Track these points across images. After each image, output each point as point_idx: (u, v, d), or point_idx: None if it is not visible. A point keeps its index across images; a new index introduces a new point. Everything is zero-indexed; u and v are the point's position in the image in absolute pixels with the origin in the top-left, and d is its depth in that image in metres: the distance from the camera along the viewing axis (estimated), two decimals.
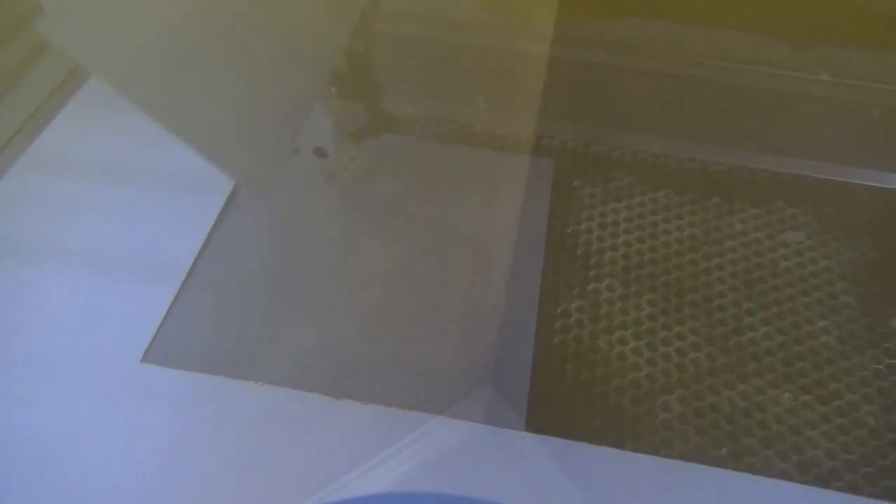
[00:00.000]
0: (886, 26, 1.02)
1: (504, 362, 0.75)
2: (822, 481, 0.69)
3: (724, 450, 0.70)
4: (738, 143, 1.01)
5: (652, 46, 1.11)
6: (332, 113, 0.94)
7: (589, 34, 1.13)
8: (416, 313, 0.80)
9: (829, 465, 0.70)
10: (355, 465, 0.66)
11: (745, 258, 0.87)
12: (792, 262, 0.87)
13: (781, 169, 0.98)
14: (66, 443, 0.67)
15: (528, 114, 1.03)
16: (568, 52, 1.10)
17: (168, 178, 0.91)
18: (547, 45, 1.10)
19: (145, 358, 0.73)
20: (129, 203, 0.88)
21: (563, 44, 1.10)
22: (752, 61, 1.09)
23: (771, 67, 1.08)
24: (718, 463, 0.69)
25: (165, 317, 0.77)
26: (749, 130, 1.03)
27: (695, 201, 0.93)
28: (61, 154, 0.94)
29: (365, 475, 0.66)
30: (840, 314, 0.82)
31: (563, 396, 0.74)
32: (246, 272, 0.83)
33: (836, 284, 0.85)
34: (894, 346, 0.79)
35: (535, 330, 0.78)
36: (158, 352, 0.74)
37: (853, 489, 0.68)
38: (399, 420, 0.70)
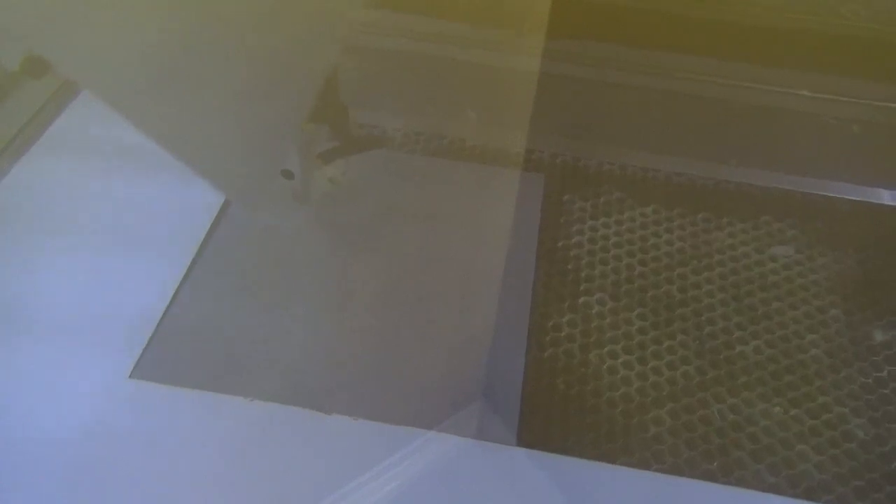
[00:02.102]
0: (864, 51, 1.04)
1: (495, 377, 0.75)
2: (813, 495, 0.69)
3: (715, 463, 0.71)
4: (725, 159, 1.02)
5: (640, 63, 1.13)
6: (300, 135, 0.95)
7: (578, 50, 1.14)
8: (407, 328, 0.80)
9: (819, 479, 0.70)
10: (346, 481, 0.66)
11: (734, 272, 0.88)
12: (780, 276, 0.88)
13: (768, 184, 0.99)
14: (55, 457, 0.67)
15: (518, 129, 1.04)
16: (558, 68, 1.11)
17: (159, 195, 0.91)
18: (537, 61, 1.11)
19: (134, 374, 0.73)
20: (118, 223, 0.88)
21: (554, 60, 1.11)
22: (739, 78, 1.11)
23: (756, 83, 1.10)
24: (709, 477, 0.69)
25: (154, 333, 0.76)
26: (736, 146, 1.04)
27: (683, 216, 0.94)
28: (58, 158, 0.94)
29: (356, 490, 0.66)
30: (828, 328, 0.83)
31: (554, 411, 0.74)
32: (235, 289, 0.83)
33: (824, 298, 0.86)
34: (881, 360, 0.80)
35: (526, 344, 0.78)
36: (147, 367, 0.74)
37: (843, 503, 0.69)
38: (390, 435, 0.69)
